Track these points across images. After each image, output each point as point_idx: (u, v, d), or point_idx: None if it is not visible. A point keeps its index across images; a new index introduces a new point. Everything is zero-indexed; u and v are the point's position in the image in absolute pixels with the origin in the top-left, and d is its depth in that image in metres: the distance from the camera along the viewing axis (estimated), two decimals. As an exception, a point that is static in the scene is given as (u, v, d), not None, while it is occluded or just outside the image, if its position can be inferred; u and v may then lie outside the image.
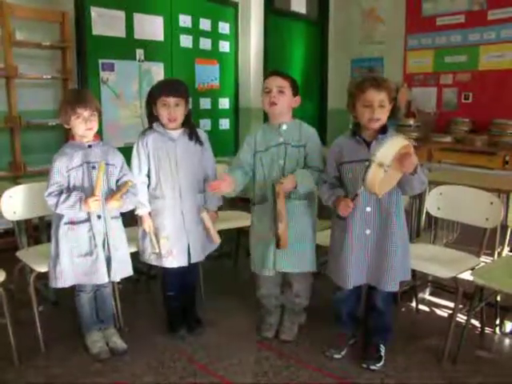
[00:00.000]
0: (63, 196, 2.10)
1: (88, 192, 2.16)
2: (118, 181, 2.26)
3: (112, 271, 2.23)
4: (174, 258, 2.37)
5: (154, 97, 2.31)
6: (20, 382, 2.12)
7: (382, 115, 2.05)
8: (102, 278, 2.22)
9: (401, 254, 2.10)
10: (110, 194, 2.20)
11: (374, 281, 2.14)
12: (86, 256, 2.19)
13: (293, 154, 2.28)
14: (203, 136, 2.44)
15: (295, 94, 2.31)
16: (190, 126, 2.39)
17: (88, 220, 2.17)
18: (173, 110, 2.27)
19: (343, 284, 2.17)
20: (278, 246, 2.17)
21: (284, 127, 2.30)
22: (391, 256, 2.08)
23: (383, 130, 2.09)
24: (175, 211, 2.35)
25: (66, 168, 2.14)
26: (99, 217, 2.19)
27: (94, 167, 2.18)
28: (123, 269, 2.30)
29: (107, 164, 2.21)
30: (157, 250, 2.36)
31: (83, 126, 2.14)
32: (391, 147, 1.85)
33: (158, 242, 2.36)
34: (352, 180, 2.11)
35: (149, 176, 2.36)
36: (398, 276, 2.11)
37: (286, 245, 2.18)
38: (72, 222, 2.17)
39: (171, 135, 2.34)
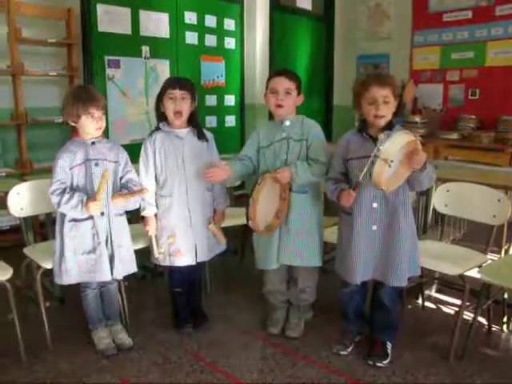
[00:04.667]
0: (66, 196, 2.10)
1: (90, 190, 2.16)
2: (121, 178, 2.27)
3: (115, 269, 2.23)
4: (181, 256, 2.37)
5: (161, 93, 2.32)
6: (28, 377, 2.13)
7: (387, 111, 2.05)
8: (105, 276, 2.22)
9: (408, 250, 2.10)
10: (116, 191, 2.21)
11: (381, 276, 2.14)
12: (90, 253, 2.19)
13: (295, 148, 2.28)
14: (209, 135, 2.45)
15: (299, 93, 2.32)
16: (196, 124, 2.39)
17: (91, 217, 2.17)
18: (179, 102, 2.27)
19: (351, 279, 2.17)
20: (254, 229, 2.21)
21: (287, 123, 2.31)
22: (398, 251, 2.07)
23: (389, 127, 2.08)
24: (182, 208, 2.35)
25: (69, 165, 2.14)
26: (102, 214, 2.19)
27: (97, 164, 2.18)
28: (127, 266, 2.30)
29: (111, 161, 2.22)
30: (159, 251, 2.37)
31: (94, 125, 2.15)
32: (396, 142, 1.85)
33: (159, 243, 2.37)
34: (358, 175, 2.10)
35: (156, 175, 2.37)
36: (406, 271, 2.10)
37: (264, 231, 2.22)
38: (75, 220, 2.17)
39: (178, 133, 2.34)
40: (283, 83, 2.27)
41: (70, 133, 2.25)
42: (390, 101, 2.04)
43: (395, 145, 1.85)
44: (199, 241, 2.40)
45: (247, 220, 2.15)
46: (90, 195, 2.14)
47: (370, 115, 2.06)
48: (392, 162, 1.84)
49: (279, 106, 2.27)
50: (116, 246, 2.23)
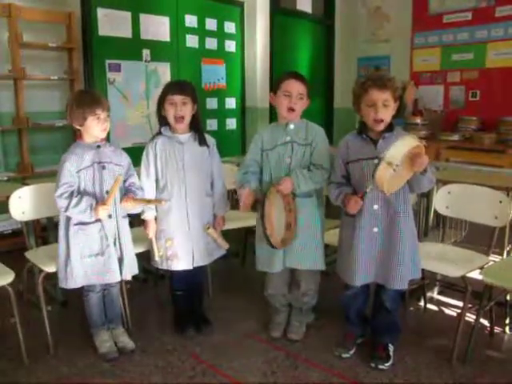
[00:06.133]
0: (74, 200, 2.10)
1: (98, 193, 2.17)
2: (125, 181, 2.27)
3: (124, 270, 2.25)
4: (178, 261, 2.38)
5: (161, 98, 2.32)
6: (30, 381, 2.13)
7: (386, 115, 2.04)
8: (114, 277, 2.24)
9: (409, 252, 2.10)
10: (121, 194, 2.21)
11: (382, 279, 2.14)
12: (98, 256, 2.20)
13: (299, 152, 2.28)
14: (211, 141, 2.44)
15: (308, 97, 2.31)
16: (198, 129, 2.39)
17: (99, 220, 2.18)
18: (179, 108, 2.27)
19: (351, 281, 2.17)
20: (271, 246, 2.17)
21: (291, 126, 2.30)
22: (399, 254, 2.07)
23: (389, 129, 2.08)
24: (181, 212, 2.35)
25: (76, 168, 2.15)
26: (110, 216, 2.19)
27: (104, 167, 2.19)
28: (132, 267, 2.32)
29: (117, 165, 2.23)
30: (158, 254, 2.37)
31: (100, 126, 2.16)
32: (401, 147, 1.85)
33: (158, 246, 2.37)
34: (359, 178, 2.11)
35: (156, 179, 2.37)
36: (406, 274, 2.10)
37: (280, 245, 2.20)
38: (82, 223, 2.17)
39: (179, 138, 2.34)
40: (298, 87, 2.25)
41: (72, 136, 2.26)
42: (389, 104, 2.03)
43: (401, 150, 1.84)
44: (197, 245, 2.39)
45: (266, 238, 2.12)
46: (98, 198, 2.15)
47: (369, 117, 2.06)
48: (397, 166, 1.85)
49: (291, 109, 2.25)
50: (124, 248, 2.25)
